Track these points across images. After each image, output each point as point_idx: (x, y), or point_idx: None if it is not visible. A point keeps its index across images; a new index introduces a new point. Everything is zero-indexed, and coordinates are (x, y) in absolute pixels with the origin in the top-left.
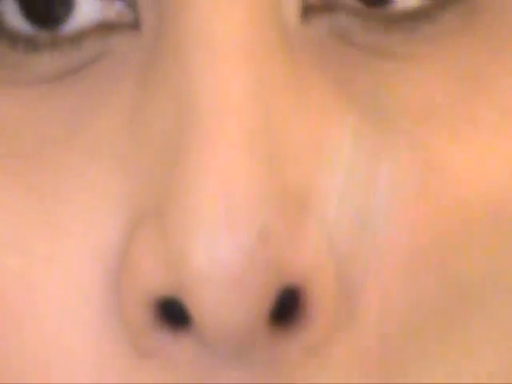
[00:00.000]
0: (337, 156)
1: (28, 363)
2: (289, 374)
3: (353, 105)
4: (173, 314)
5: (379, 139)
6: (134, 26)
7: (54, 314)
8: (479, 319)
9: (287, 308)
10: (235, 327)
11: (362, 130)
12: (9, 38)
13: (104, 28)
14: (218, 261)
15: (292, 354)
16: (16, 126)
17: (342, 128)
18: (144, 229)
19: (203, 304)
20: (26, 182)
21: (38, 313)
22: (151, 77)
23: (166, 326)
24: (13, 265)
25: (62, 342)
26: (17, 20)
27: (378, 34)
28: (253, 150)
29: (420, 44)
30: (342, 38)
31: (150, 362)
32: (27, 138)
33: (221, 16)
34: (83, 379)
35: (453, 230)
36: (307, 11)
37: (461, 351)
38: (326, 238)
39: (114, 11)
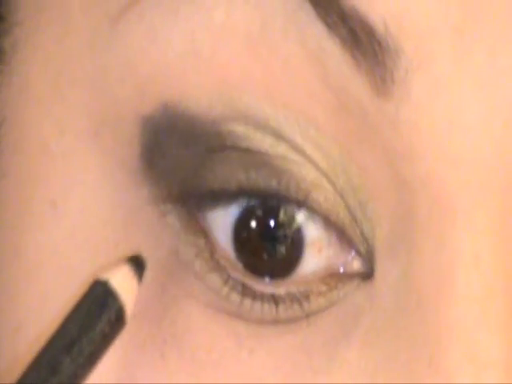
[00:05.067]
0: None
1: None
2: None
3: None
4: None
5: None
6: (366, 275)
7: None
8: None
9: None
10: None
11: None
12: (221, 275)
13: (332, 279)
14: None
15: None
16: (222, 358)
17: None
18: None
19: None
20: None
21: None
22: (387, 346)
23: None
24: None
25: None
26: (231, 256)
27: None
28: None
29: None
30: None
31: None
32: (231, 374)
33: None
34: None
35: None
36: None
37: None
38: None
39: (343, 261)
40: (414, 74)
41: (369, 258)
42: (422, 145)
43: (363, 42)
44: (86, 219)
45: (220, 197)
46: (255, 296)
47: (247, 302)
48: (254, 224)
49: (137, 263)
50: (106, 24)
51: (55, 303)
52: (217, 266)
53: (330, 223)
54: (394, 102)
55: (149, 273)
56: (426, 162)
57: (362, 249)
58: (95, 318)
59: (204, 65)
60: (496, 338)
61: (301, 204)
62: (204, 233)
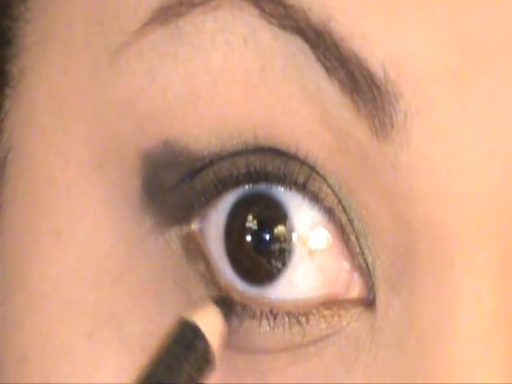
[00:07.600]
0: None
1: None
2: None
3: None
4: None
5: None
6: (368, 303)
7: None
8: None
9: None
10: None
11: None
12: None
13: (331, 305)
14: None
15: None
16: None
17: None
18: None
19: None
20: None
21: None
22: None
23: None
24: None
25: None
26: (230, 276)
27: None
28: None
29: None
30: None
31: None
32: None
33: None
34: None
35: None
36: None
37: None
38: None
39: (345, 285)
40: (413, 118)
41: (370, 284)
42: (421, 187)
43: (362, 86)
44: (90, 251)
45: (227, 182)
46: (254, 315)
47: (247, 321)
48: (248, 238)
49: (223, 304)
50: (107, 58)
51: (59, 336)
52: (217, 288)
53: (333, 218)
54: (394, 146)
55: (156, 306)
56: (426, 203)
57: (364, 266)
58: (184, 362)
59: (203, 105)
60: (495, 378)
61: (304, 186)
62: (204, 256)
